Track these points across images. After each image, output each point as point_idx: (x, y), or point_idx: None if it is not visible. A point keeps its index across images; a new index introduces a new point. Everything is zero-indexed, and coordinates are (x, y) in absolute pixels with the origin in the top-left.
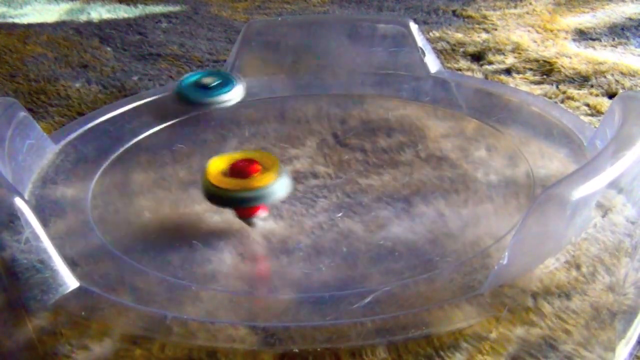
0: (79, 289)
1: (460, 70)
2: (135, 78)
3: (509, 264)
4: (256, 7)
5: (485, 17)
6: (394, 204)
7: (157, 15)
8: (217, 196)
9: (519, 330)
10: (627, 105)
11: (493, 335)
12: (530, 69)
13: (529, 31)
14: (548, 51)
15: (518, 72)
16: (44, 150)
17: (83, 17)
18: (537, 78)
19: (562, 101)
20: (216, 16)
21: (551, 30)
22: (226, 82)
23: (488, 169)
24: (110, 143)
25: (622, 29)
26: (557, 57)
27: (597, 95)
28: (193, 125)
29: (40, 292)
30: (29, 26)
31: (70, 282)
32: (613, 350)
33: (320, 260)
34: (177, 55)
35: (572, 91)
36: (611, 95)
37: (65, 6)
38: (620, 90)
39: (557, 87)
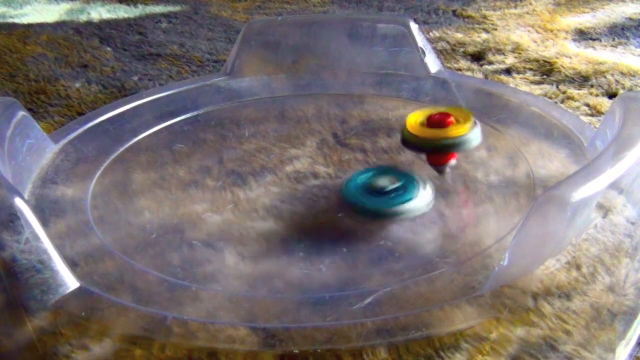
0: (79, 289)
1: (460, 70)
2: (135, 78)
3: (509, 265)
4: (256, 7)
5: (485, 17)
6: None
7: (157, 15)
8: (415, 144)
9: (519, 331)
10: (627, 106)
11: (493, 335)
12: (530, 69)
13: (529, 31)
14: (548, 51)
15: (518, 72)
16: (43, 150)
17: (83, 17)
18: (537, 78)
19: (562, 101)
20: (216, 16)
21: (551, 30)
22: (407, 185)
23: (488, 169)
24: (110, 143)
25: (622, 29)
26: (557, 57)
27: (597, 95)
28: (193, 125)
29: (40, 292)
30: (29, 26)
31: (70, 282)
32: (613, 350)
33: (320, 261)
34: (177, 55)
35: (572, 91)
36: (611, 95)
37: (65, 6)
38: (621, 90)
39: (557, 87)
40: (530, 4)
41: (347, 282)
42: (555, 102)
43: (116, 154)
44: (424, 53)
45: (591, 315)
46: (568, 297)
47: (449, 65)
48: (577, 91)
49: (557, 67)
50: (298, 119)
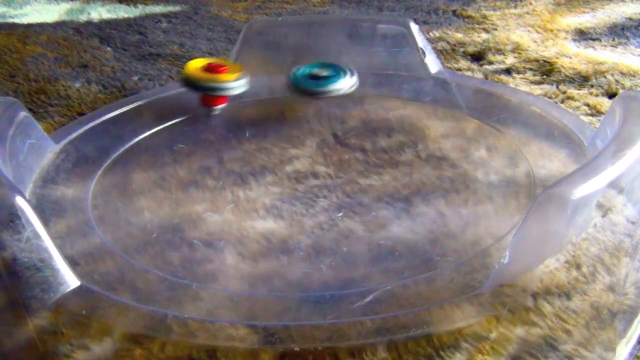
0: (79, 288)
1: (460, 70)
2: (135, 78)
3: (509, 264)
4: (256, 7)
5: (485, 17)
6: (394, 204)
7: (157, 15)
8: (191, 83)
9: (519, 330)
10: (627, 105)
11: (493, 335)
12: (530, 69)
13: (529, 31)
14: (548, 51)
15: (518, 72)
16: (44, 150)
17: (83, 17)
18: (537, 78)
19: (562, 101)
20: (216, 16)
21: (551, 30)
22: (338, 73)
23: (488, 169)
24: (110, 143)
25: (622, 29)
26: (557, 57)
27: (597, 95)
28: (193, 125)
29: (41, 291)
30: (29, 26)
31: (70, 281)
32: (613, 350)
33: (320, 260)
34: (177, 55)
35: (572, 91)
36: (611, 95)
37: (65, 6)
38: (620, 90)
39: (557, 87)
40: (530, 4)
41: (347, 281)
42: (555, 102)
43: (117, 154)
44: (424, 53)
45: (591, 314)
46: (568, 296)
47: (449, 65)
48: (577, 91)
49: (557, 67)
50: (298, 119)
